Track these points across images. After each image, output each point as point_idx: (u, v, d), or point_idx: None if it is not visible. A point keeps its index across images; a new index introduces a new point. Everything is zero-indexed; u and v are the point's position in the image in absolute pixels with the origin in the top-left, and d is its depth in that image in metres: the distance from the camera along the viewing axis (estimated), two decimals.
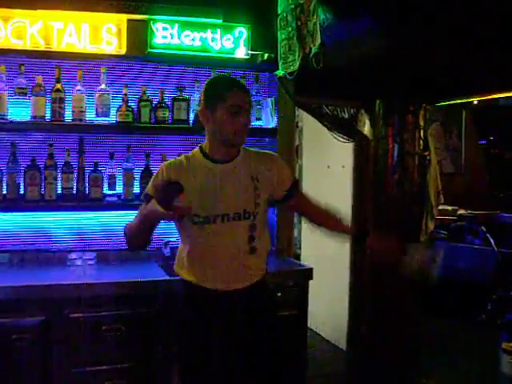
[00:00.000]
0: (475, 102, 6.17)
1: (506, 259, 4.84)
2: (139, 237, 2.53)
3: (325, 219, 2.66)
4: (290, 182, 2.62)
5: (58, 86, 3.45)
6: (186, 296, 2.56)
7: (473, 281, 4.88)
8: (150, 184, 2.55)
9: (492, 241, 5.00)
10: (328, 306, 4.94)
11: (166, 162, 2.57)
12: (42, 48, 3.43)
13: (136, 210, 3.68)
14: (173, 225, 3.84)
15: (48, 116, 3.46)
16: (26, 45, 3.39)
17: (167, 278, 3.36)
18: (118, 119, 3.57)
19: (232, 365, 2.44)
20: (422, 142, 3.69)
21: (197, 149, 2.55)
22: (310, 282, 3.53)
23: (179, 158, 2.55)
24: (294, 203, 2.68)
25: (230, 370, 2.44)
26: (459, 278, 4.98)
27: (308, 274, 3.54)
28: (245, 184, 2.47)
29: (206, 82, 2.53)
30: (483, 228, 5.19)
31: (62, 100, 3.45)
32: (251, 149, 2.62)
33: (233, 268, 2.44)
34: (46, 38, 3.42)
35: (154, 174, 2.57)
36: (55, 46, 3.44)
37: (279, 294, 3.34)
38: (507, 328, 2.19)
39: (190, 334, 2.51)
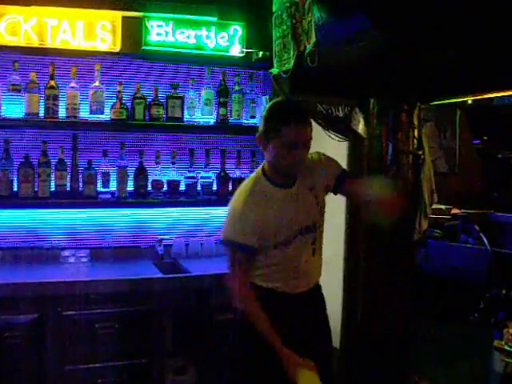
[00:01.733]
0: (470, 102, 6.18)
1: (500, 258, 4.85)
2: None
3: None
4: (338, 171, 2.64)
5: (52, 82, 3.44)
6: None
7: (466, 279, 4.89)
8: (230, 232, 2.43)
9: (485, 240, 5.01)
10: None
11: (240, 199, 2.44)
12: (36, 44, 3.41)
13: (129, 207, 3.72)
14: (168, 222, 3.87)
15: (42, 113, 3.45)
16: (20, 41, 3.38)
17: (161, 275, 3.36)
18: (112, 116, 3.56)
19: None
20: (416, 141, 3.69)
21: (260, 172, 2.50)
22: None
23: (249, 187, 2.47)
24: (348, 189, 2.66)
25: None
26: (453, 276, 4.99)
27: None
28: (309, 202, 2.51)
29: (266, 107, 2.46)
30: (477, 227, 5.20)
31: (55, 97, 3.44)
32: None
33: (304, 274, 2.53)
34: (40, 35, 3.41)
35: (231, 217, 2.45)
36: (49, 43, 3.43)
37: None
38: (499, 326, 2.20)
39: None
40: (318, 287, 2.69)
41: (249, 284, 2.47)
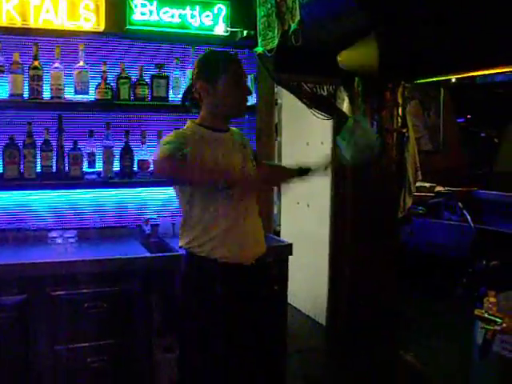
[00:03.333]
0: (453, 80, 6.22)
1: (482, 234, 4.92)
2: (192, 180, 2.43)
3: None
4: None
5: (36, 63, 3.42)
6: (200, 272, 2.55)
7: (450, 256, 4.96)
8: (167, 141, 2.43)
9: (468, 217, 5.08)
10: (308, 282, 4.99)
11: (175, 131, 2.55)
12: (19, 25, 3.37)
13: (115, 187, 3.72)
14: (154, 201, 3.88)
15: (26, 94, 3.43)
16: (2, 21, 3.34)
17: (148, 254, 3.37)
18: (97, 97, 3.55)
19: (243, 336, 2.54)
20: (400, 119, 3.73)
21: (190, 123, 2.60)
22: (290, 258, 3.57)
23: (182, 130, 2.57)
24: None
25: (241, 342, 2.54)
26: (437, 253, 5.06)
27: (288, 249, 3.57)
28: (243, 151, 2.62)
29: (201, 57, 2.62)
30: (460, 204, 5.26)
31: (39, 77, 3.42)
32: None
33: (251, 231, 2.57)
34: (22, 15, 3.37)
35: (169, 138, 2.48)
36: (32, 23, 3.39)
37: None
38: (481, 300, 2.26)
39: (199, 310, 2.53)
40: (263, 265, 2.67)
41: None
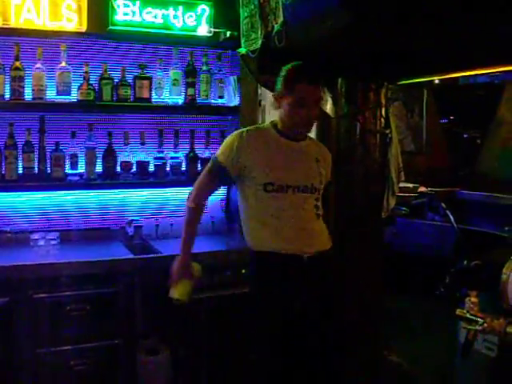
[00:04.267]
0: (436, 82, 6.24)
1: (465, 235, 4.94)
2: None
3: None
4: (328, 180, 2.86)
5: (17, 63, 3.39)
6: (259, 266, 2.69)
7: (433, 256, 4.98)
8: (221, 151, 2.71)
9: (451, 217, 5.10)
10: None
11: (242, 130, 2.71)
12: (0, 25, 3.34)
13: (98, 189, 3.69)
14: (137, 203, 3.86)
15: (7, 95, 3.40)
16: None
17: (131, 256, 3.36)
18: (80, 97, 3.53)
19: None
20: (383, 120, 3.73)
21: (269, 124, 2.75)
22: None
23: (252, 127, 2.79)
24: None
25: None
26: (420, 253, 5.07)
27: None
28: (312, 163, 2.71)
29: (284, 69, 2.70)
30: (443, 205, 5.28)
31: (21, 78, 3.39)
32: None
33: (303, 233, 2.63)
34: (3, 14, 3.34)
35: (224, 142, 2.73)
36: (13, 23, 3.36)
37: (243, 272, 3.36)
38: (463, 300, 2.28)
39: (267, 300, 2.63)
40: (325, 256, 2.74)
41: (205, 199, 2.82)
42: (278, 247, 2.58)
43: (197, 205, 2.77)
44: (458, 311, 2.20)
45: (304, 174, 2.67)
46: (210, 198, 2.95)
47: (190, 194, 2.81)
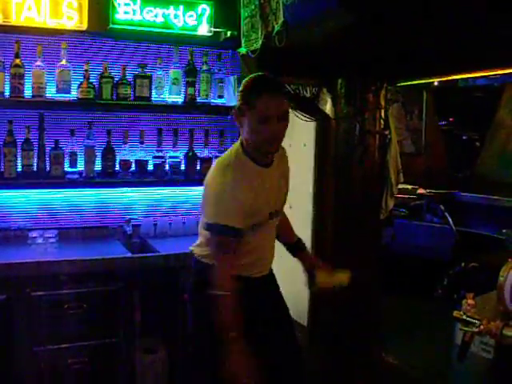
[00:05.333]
0: (436, 83, 6.25)
1: (464, 237, 4.94)
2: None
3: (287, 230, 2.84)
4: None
5: (17, 61, 3.39)
6: None
7: (431, 258, 4.98)
8: (214, 215, 2.33)
9: (450, 219, 5.10)
10: (289, 283, 4.99)
11: (227, 182, 2.31)
12: (1, 22, 3.35)
13: (97, 187, 3.70)
14: (136, 202, 3.87)
15: (7, 92, 3.40)
16: None
17: (129, 255, 3.36)
18: (79, 96, 3.53)
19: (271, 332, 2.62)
20: (382, 121, 3.74)
21: (240, 149, 2.40)
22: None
23: (230, 164, 2.36)
24: None
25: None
26: (418, 255, 5.07)
27: None
28: (280, 186, 2.54)
29: (242, 82, 2.40)
30: (442, 207, 5.28)
31: (21, 76, 3.39)
32: None
33: (269, 256, 2.64)
34: (4, 12, 3.35)
35: (213, 197, 2.35)
36: (14, 20, 3.37)
37: None
38: (461, 302, 2.28)
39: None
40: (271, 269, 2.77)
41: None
42: (240, 273, 2.43)
43: (230, 288, 2.30)
44: (455, 313, 2.19)
45: (275, 200, 2.50)
46: None
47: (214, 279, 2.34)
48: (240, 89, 2.37)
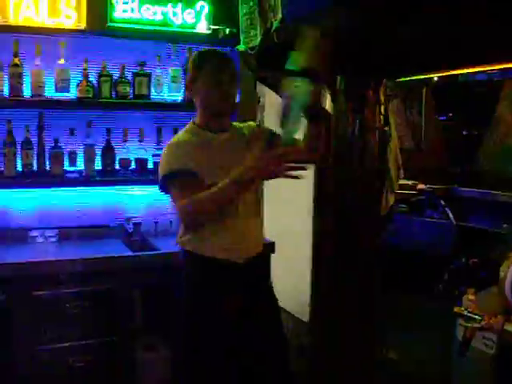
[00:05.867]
0: (435, 79, 6.25)
1: (464, 232, 4.96)
2: (218, 208, 2.40)
3: None
4: (266, 135, 2.58)
5: (16, 60, 3.38)
6: (196, 270, 2.56)
7: (432, 253, 4.99)
8: (166, 166, 2.49)
9: (450, 214, 5.11)
10: (290, 279, 4.99)
11: (171, 143, 2.55)
12: None
13: (97, 186, 3.70)
14: (136, 200, 3.86)
15: (6, 92, 3.40)
16: None
17: (130, 253, 3.36)
18: (79, 94, 3.52)
19: (245, 331, 2.54)
20: (382, 117, 3.74)
21: (190, 124, 2.60)
22: (273, 256, 3.57)
23: (180, 136, 2.58)
24: None
25: (243, 337, 2.54)
26: (419, 250, 5.08)
27: (270, 247, 3.58)
28: (243, 151, 2.48)
29: (190, 58, 2.63)
30: (442, 202, 5.30)
31: (20, 75, 3.38)
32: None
33: (247, 233, 2.52)
34: (2, 11, 3.33)
35: (163, 158, 2.54)
36: (12, 20, 3.35)
37: None
38: (462, 297, 2.29)
39: (203, 307, 2.52)
40: (262, 257, 2.66)
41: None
42: (216, 254, 2.47)
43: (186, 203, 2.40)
44: (456, 309, 2.20)
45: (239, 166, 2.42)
46: None
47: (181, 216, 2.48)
48: (190, 60, 2.59)
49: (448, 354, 2.83)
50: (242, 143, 2.57)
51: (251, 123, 2.81)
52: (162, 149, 3.69)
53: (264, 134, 2.61)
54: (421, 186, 5.77)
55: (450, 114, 7.30)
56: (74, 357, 3.17)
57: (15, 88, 3.38)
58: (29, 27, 3.40)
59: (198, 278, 2.55)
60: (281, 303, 5.27)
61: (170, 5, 3.64)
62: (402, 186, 4.97)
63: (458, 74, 5.73)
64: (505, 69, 3.61)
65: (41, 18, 3.40)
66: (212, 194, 2.33)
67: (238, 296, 2.51)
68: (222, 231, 2.47)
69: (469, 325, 2.14)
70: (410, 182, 5.64)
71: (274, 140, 2.41)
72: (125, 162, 3.68)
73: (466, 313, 2.17)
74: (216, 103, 2.49)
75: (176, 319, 2.62)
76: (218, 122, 2.55)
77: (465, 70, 3.78)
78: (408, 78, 4.30)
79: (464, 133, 7.18)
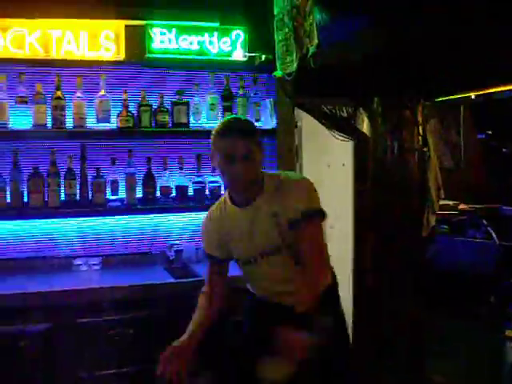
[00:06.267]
0: (473, 97, 6.18)
1: (508, 252, 4.85)
2: None
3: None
4: (299, 211, 2.36)
5: (58, 93, 3.48)
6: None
7: (475, 274, 4.90)
8: (205, 241, 2.65)
9: (493, 234, 5.01)
10: None
11: (204, 221, 2.65)
12: (41, 56, 3.44)
13: (138, 214, 3.75)
14: (178, 227, 3.90)
15: (49, 123, 3.49)
16: (26, 53, 3.41)
17: (172, 280, 3.38)
18: (119, 124, 3.59)
19: None
20: (420, 138, 3.72)
21: (225, 194, 2.57)
22: None
23: (213, 210, 2.62)
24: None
25: None
26: (462, 271, 4.99)
27: None
28: (266, 225, 2.40)
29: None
30: (484, 222, 5.20)
31: (62, 107, 3.47)
32: (281, 177, 2.47)
33: (285, 287, 2.47)
34: (44, 47, 3.44)
35: (203, 229, 2.66)
36: (54, 54, 3.46)
37: None
38: (509, 318, 2.22)
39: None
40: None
41: (209, 292, 2.64)
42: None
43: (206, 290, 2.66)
44: (508, 332, 2.15)
45: (261, 240, 2.42)
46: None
47: None
48: (212, 132, 2.42)
49: (496, 377, 2.76)
50: (265, 215, 2.41)
51: (296, 176, 2.72)
52: (202, 176, 3.76)
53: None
54: (462, 206, 5.69)
55: (489, 132, 7.21)
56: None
57: (58, 120, 3.46)
58: (70, 61, 3.50)
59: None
60: None
61: (206, 34, 3.70)
62: (443, 207, 4.91)
63: (494, 92, 5.66)
64: None
65: (81, 52, 3.50)
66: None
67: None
68: (254, 283, 2.63)
69: None
70: (451, 203, 5.57)
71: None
72: (165, 190, 3.72)
73: None
74: (229, 182, 2.40)
75: None
76: (241, 197, 2.45)
77: (502, 88, 3.75)
78: (445, 98, 4.27)
79: (504, 150, 7.07)
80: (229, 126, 2.39)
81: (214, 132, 2.40)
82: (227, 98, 3.85)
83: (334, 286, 2.60)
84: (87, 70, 3.62)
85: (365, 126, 3.87)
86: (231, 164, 2.30)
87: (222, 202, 2.56)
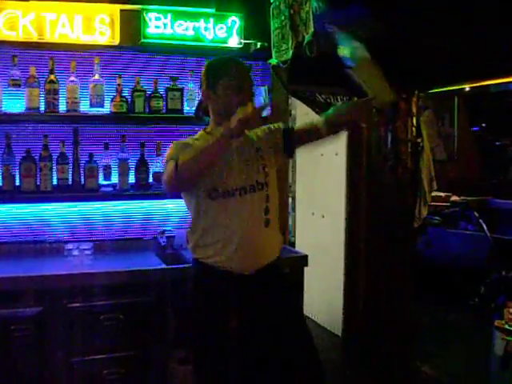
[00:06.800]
0: (467, 89, 6.19)
1: (499, 244, 4.88)
2: (204, 164, 2.32)
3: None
4: (279, 131, 2.63)
5: (52, 77, 3.45)
6: (197, 279, 2.59)
7: (466, 266, 4.92)
8: (170, 156, 2.42)
9: (485, 226, 5.04)
10: (323, 293, 4.98)
11: (176, 141, 2.56)
12: (35, 39, 3.41)
13: (131, 199, 3.74)
14: (169, 213, 3.89)
15: (42, 107, 3.47)
16: (19, 36, 3.38)
17: (164, 266, 3.38)
18: (113, 110, 3.58)
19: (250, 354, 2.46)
20: (414, 129, 3.72)
21: (201, 132, 2.58)
22: (306, 269, 3.56)
23: (184, 140, 2.57)
24: (301, 138, 2.67)
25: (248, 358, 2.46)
26: (453, 263, 5.02)
27: (303, 261, 3.56)
28: (250, 156, 2.48)
29: (205, 64, 2.58)
30: (476, 214, 5.23)
31: (55, 91, 3.45)
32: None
33: (251, 244, 2.42)
34: (38, 30, 3.41)
35: (168, 153, 2.48)
36: (48, 37, 3.43)
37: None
38: (499, 309, 2.24)
39: (203, 321, 2.53)
40: (273, 267, 2.52)
41: None
42: (221, 264, 2.43)
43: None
44: (497, 322, 2.16)
45: (246, 171, 2.45)
46: None
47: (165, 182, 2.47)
48: (207, 69, 2.54)
49: (485, 368, 2.78)
50: (250, 148, 2.52)
51: (264, 127, 2.67)
52: None
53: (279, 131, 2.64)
54: (454, 198, 5.71)
55: (483, 124, 7.23)
56: (106, 369, 3.18)
57: (51, 104, 3.44)
58: (64, 44, 3.48)
59: (201, 287, 2.56)
60: (313, 316, 5.27)
61: (202, 20, 3.68)
62: (435, 198, 4.93)
63: (489, 84, 5.67)
64: None
65: (76, 36, 3.47)
66: (199, 148, 2.31)
67: (241, 308, 2.44)
68: (225, 240, 2.43)
69: (510, 338, 2.10)
70: (443, 194, 5.59)
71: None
72: (158, 176, 3.71)
73: (507, 326, 2.13)
74: (226, 111, 2.39)
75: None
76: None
77: (497, 80, 3.75)
78: (440, 89, 4.27)
79: (497, 143, 7.10)
80: (231, 57, 2.57)
81: (217, 66, 2.52)
82: None
83: None
84: (81, 54, 3.60)
85: None
86: (239, 91, 2.41)
87: (198, 136, 2.55)
